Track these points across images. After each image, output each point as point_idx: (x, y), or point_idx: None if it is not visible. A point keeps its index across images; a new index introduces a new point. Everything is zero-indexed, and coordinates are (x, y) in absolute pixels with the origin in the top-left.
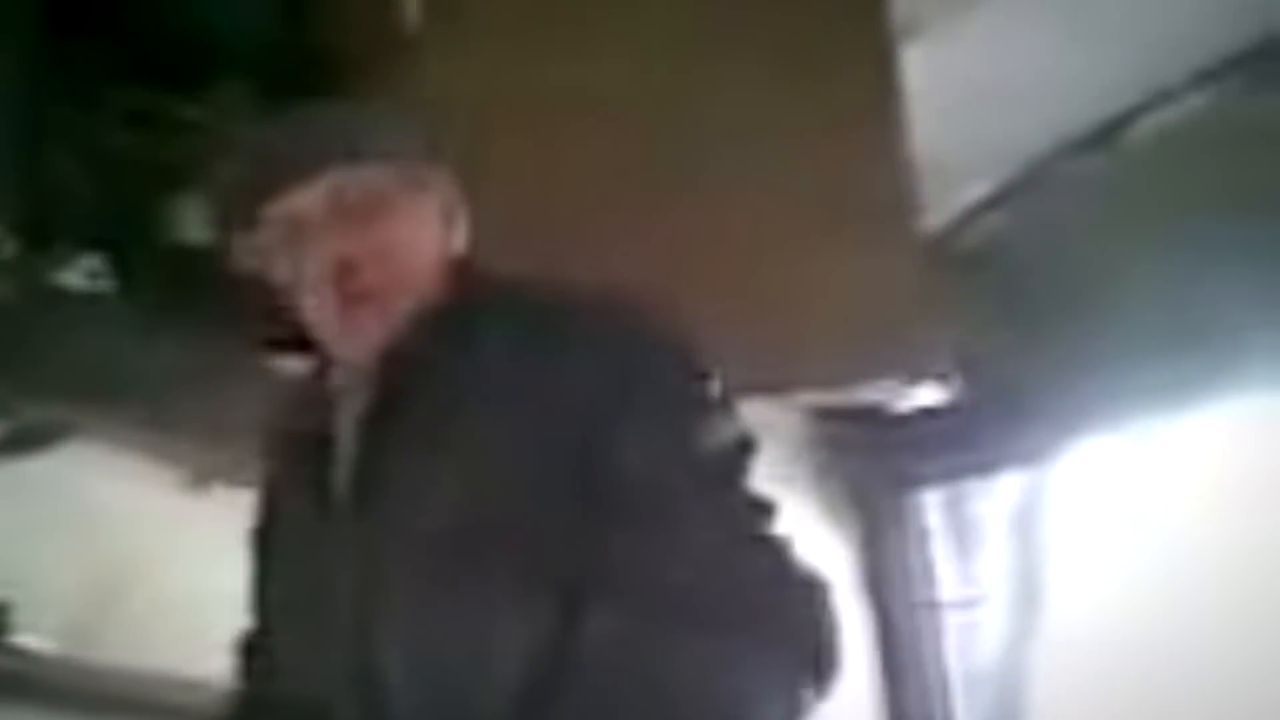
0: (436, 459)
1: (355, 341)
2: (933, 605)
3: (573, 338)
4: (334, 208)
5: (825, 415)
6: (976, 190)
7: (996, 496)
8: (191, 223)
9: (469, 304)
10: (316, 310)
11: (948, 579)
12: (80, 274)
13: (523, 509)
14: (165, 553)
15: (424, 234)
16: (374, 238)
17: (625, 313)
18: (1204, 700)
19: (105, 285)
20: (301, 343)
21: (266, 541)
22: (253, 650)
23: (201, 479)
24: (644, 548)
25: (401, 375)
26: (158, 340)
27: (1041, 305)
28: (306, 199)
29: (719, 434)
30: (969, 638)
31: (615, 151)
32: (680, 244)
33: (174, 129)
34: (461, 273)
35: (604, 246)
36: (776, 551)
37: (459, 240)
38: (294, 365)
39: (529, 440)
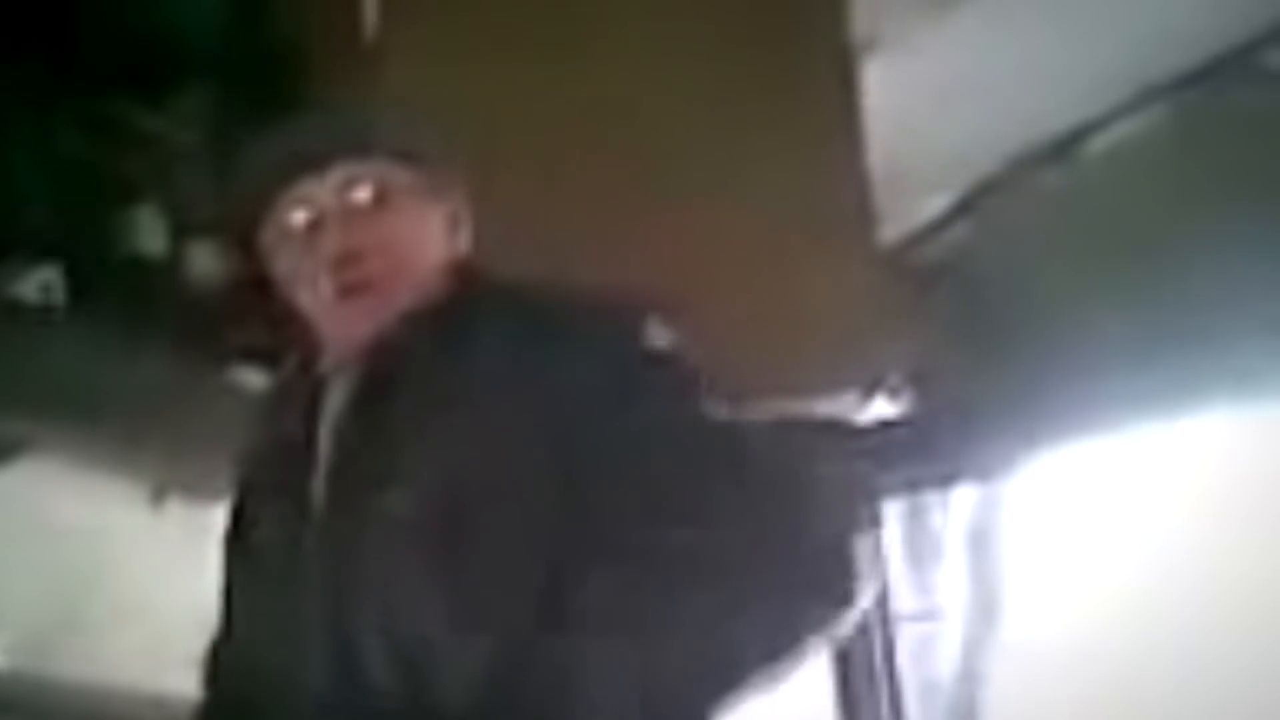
0: (421, 448)
1: (348, 333)
2: (888, 617)
3: (566, 336)
4: (341, 199)
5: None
6: (936, 203)
7: (954, 508)
8: (149, 234)
9: (465, 301)
10: (313, 301)
11: (904, 591)
12: (34, 287)
13: (505, 499)
14: (125, 568)
15: (427, 232)
16: (378, 231)
17: (619, 313)
18: (1162, 712)
19: (58, 298)
20: (268, 351)
21: (239, 548)
22: (222, 658)
23: (161, 494)
24: (643, 517)
25: (390, 365)
26: (115, 353)
27: (1001, 318)
28: (316, 188)
29: (711, 429)
30: (925, 649)
31: (571, 165)
32: (637, 257)
33: (132, 139)
34: (461, 273)
35: (559, 256)
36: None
37: (462, 242)
38: (257, 377)
39: (517, 434)
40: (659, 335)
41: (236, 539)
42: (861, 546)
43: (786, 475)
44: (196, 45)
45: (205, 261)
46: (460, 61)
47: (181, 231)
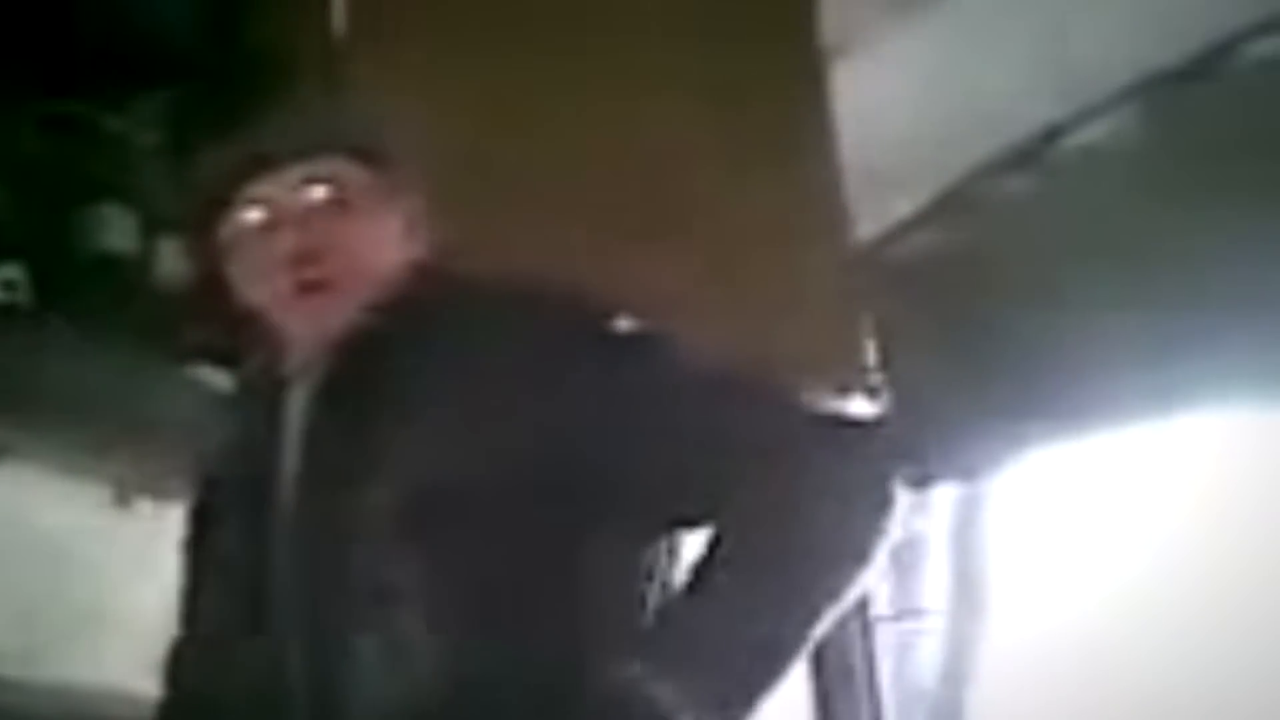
0: (394, 446)
1: (308, 331)
2: (867, 619)
3: (527, 325)
4: (298, 198)
5: None
6: (909, 204)
7: (933, 510)
8: (117, 232)
9: (427, 299)
10: (270, 300)
11: (884, 593)
12: None
13: (482, 494)
14: (93, 569)
15: (384, 232)
16: (334, 230)
17: (581, 304)
18: (1155, 711)
19: (22, 297)
20: (230, 351)
21: (203, 548)
22: (185, 658)
23: (126, 494)
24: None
25: (356, 364)
26: (81, 353)
27: (976, 317)
28: (272, 187)
29: (681, 413)
30: (908, 651)
31: (542, 167)
32: (608, 257)
33: (97, 138)
34: (421, 272)
35: (529, 257)
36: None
37: (421, 242)
38: (220, 376)
39: (491, 428)
40: (625, 322)
41: (200, 539)
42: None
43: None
44: (167, 46)
45: (174, 260)
46: (429, 63)
47: (150, 230)
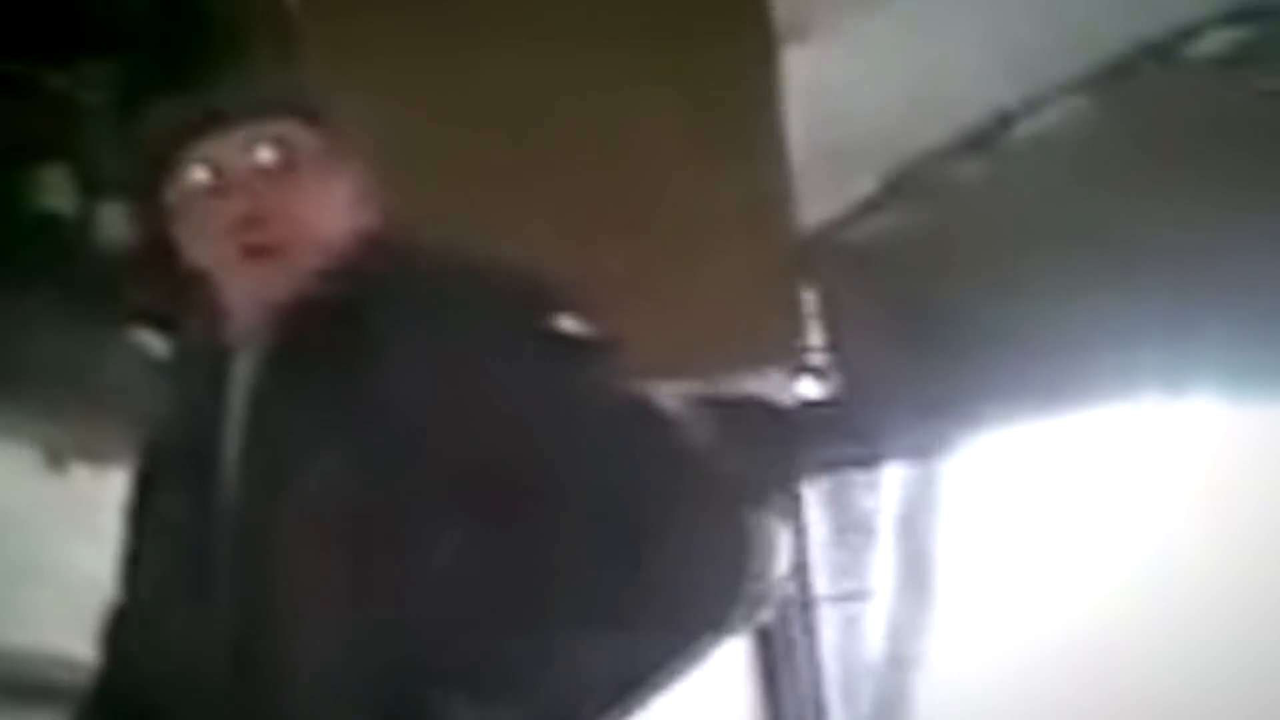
0: (339, 420)
1: (253, 297)
2: (809, 597)
3: (470, 309)
4: (245, 160)
5: (703, 405)
6: (864, 187)
7: (882, 490)
8: (58, 193)
9: (374, 270)
10: (215, 264)
11: (829, 572)
12: None
13: (417, 475)
14: (22, 530)
15: (332, 197)
16: (282, 193)
17: (528, 292)
18: (1092, 700)
19: None
20: (169, 317)
21: (146, 515)
22: (125, 625)
23: (58, 457)
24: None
25: (300, 327)
26: (18, 314)
27: (925, 300)
28: (219, 148)
29: (614, 397)
30: (852, 631)
31: (490, 148)
32: (557, 239)
33: (38, 97)
34: (370, 242)
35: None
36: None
37: (370, 211)
38: (159, 341)
39: (425, 394)
40: (569, 310)
41: (142, 505)
42: (765, 538)
43: (692, 464)
44: (118, 10)
45: (116, 222)
46: (381, 36)
47: (93, 191)
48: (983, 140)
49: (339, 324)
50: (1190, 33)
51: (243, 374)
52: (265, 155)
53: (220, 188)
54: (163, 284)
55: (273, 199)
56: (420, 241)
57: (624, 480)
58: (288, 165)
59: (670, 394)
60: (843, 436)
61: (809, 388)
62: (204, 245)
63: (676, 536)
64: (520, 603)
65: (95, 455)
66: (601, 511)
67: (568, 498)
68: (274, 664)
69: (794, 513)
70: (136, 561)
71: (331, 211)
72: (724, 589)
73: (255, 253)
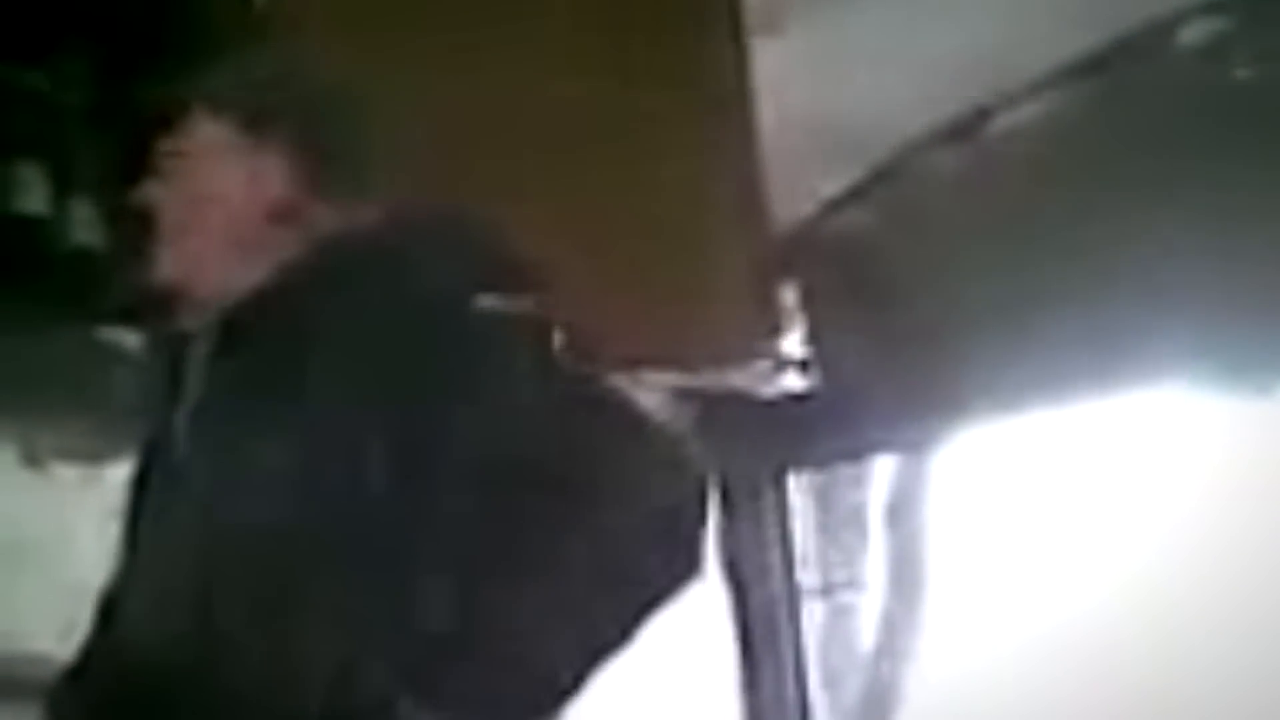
0: (270, 400)
1: (199, 290)
2: (795, 591)
3: (398, 291)
4: (178, 149)
5: (685, 398)
6: (841, 181)
7: (868, 483)
8: (29, 192)
9: (307, 251)
10: (169, 258)
11: (815, 565)
12: None
13: (351, 456)
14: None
15: (236, 181)
16: (183, 180)
17: (454, 271)
18: (1084, 694)
19: None
20: (141, 314)
21: (138, 505)
22: (108, 611)
23: (35, 457)
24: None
25: (238, 320)
26: None
27: (903, 293)
28: (177, 140)
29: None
30: (840, 624)
31: (463, 138)
32: (530, 230)
33: (11, 94)
34: (297, 223)
35: None
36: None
37: (293, 193)
38: (133, 338)
39: (362, 379)
40: (492, 300)
41: (135, 499)
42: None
43: (617, 445)
44: (85, 6)
45: (90, 220)
46: (351, 28)
47: (66, 190)
48: (961, 133)
49: (275, 316)
50: (1170, 24)
51: (194, 370)
52: (168, 145)
53: (161, 182)
54: (134, 282)
55: (173, 186)
56: (353, 226)
57: (563, 452)
58: (185, 154)
59: (652, 386)
60: (826, 429)
61: (791, 381)
62: (161, 241)
63: (620, 503)
64: (473, 585)
65: (72, 454)
66: (541, 484)
67: (509, 473)
68: (217, 641)
69: (781, 506)
70: (125, 547)
71: (238, 194)
72: (669, 554)
73: (163, 239)
